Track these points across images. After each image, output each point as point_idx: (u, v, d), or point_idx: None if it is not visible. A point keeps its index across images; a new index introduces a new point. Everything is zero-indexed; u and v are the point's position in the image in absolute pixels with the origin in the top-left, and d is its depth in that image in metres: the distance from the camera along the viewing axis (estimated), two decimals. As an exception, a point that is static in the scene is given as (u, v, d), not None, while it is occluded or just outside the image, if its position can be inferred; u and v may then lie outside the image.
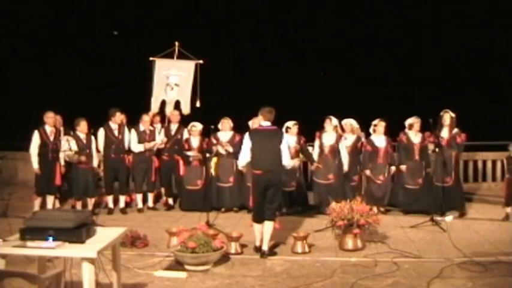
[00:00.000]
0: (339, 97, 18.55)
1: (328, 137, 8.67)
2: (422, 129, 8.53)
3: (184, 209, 8.91)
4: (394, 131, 8.89)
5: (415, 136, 8.56)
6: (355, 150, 8.77)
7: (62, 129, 9.05)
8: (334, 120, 8.72)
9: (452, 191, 8.31)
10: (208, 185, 8.64)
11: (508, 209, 8.05)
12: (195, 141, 8.99)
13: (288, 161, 6.44)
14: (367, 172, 8.60)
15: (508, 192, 8.08)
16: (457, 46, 18.33)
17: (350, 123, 8.87)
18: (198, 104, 9.75)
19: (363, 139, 8.93)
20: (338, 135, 8.69)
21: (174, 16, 18.13)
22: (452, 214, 8.14)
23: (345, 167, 8.65)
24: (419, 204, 8.41)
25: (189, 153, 8.88)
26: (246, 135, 6.43)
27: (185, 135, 9.20)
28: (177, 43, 9.83)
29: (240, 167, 7.20)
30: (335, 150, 8.62)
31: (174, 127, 9.30)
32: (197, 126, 9.03)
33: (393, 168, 8.58)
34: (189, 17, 18.48)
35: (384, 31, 19.30)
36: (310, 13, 19.42)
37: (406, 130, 8.64)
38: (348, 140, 8.81)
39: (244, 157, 6.39)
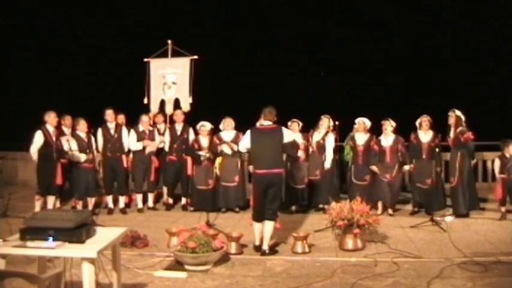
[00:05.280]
0: (339, 97, 18.53)
1: (318, 134, 8.84)
2: (436, 129, 8.50)
3: (196, 209, 8.88)
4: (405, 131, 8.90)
5: (424, 135, 8.52)
6: (368, 149, 8.76)
7: (70, 130, 9.03)
8: (330, 121, 8.82)
9: (457, 191, 8.21)
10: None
11: (503, 209, 8.08)
12: (205, 141, 8.99)
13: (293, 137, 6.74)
14: (374, 168, 8.60)
15: (503, 191, 8.11)
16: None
17: (363, 121, 8.85)
18: (190, 100, 9.74)
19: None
20: (325, 132, 8.78)
21: (171, 15, 18.12)
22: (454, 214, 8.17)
23: (327, 164, 8.75)
24: (427, 206, 8.39)
25: (200, 152, 8.88)
26: (248, 132, 6.53)
27: (191, 134, 9.20)
28: (170, 41, 9.83)
29: (241, 150, 7.26)
30: (321, 147, 8.74)
31: (179, 127, 9.28)
32: (206, 126, 9.03)
33: (405, 167, 8.58)
34: (187, 15, 18.48)
35: (387, 30, 19.28)
36: (310, 11, 19.40)
37: (418, 130, 8.62)
38: (361, 138, 8.83)
39: (244, 144, 6.55)
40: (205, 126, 9.03)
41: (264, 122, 6.53)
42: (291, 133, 6.73)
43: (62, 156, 8.50)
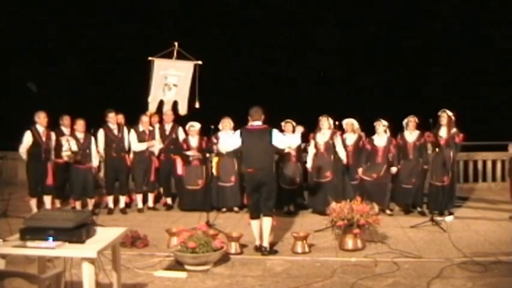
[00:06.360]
0: (338, 97, 18.53)
1: (322, 135, 8.75)
2: (423, 129, 8.52)
3: (184, 209, 8.91)
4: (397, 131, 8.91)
5: (410, 135, 8.58)
6: (357, 149, 8.79)
7: (69, 130, 8.99)
8: (330, 120, 8.80)
9: (449, 191, 8.30)
10: (209, 185, 8.65)
11: None
12: (194, 141, 8.99)
13: (291, 142, 6.73)
14: (359, 171, 8.60)
15: None
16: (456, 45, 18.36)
17: (351, 122, 8.91)
18: (197, 105, 9.73)
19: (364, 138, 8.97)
20: (332, 131, 8.74)
21: (173, 16, 18.14)
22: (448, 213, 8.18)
23: (344, 158, 8.65)
24: (414, 203, 8.56)
25: (188, 152, 8.88)
26: (238, 131, 6.57)
27: (181, 134, 9.20)
28: (176, 43, 9.82)
29: (220, 148, 7.42)
30: (330, 147, 8.67)
31: (168, 127, 9.29)
32: (195, 126, 9.03)
33: (393, 169, 8.54)
34: (189, 16, 18.48)
35: (385, 30, 19.29)
36: (310, 12, 19.40)
37: (404, 130, 8.66)
38: (350, 139, 8.85)
39: (228, 145, 6.70)
40: (194, 126, 9.03)
41: (253, 123, 6.55)
42: (282, 136, 6.57)
43: (57, 155, 8.49)
